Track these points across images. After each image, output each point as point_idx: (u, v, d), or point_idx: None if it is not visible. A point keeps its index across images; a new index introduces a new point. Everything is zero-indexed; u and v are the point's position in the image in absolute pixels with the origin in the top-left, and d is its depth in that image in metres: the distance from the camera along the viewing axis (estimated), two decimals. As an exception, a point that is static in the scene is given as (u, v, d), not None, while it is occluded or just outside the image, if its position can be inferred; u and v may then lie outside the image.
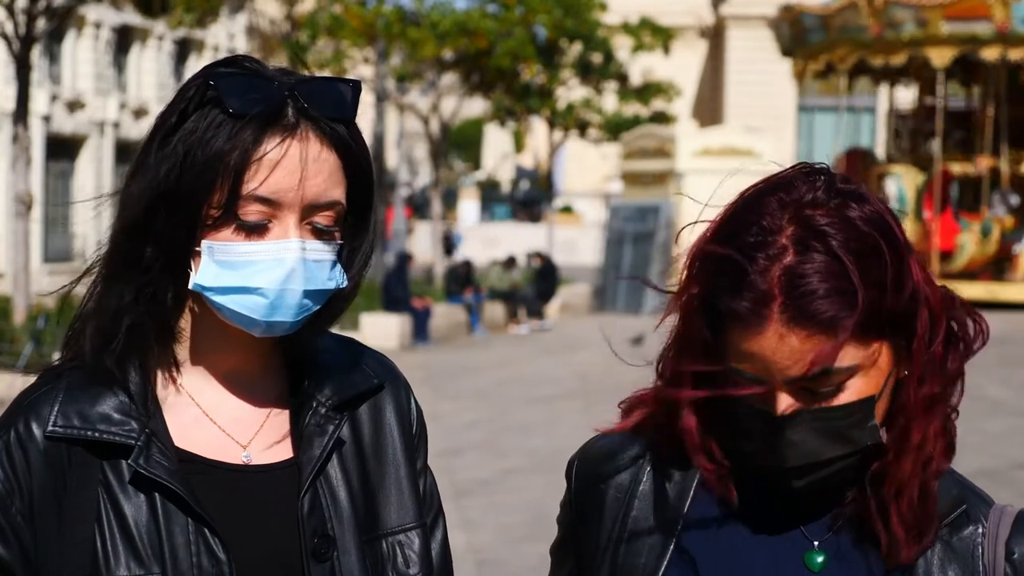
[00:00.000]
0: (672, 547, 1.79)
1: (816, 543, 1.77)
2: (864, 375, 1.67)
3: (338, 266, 1.83)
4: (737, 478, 1.78)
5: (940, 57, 28.20)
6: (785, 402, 1.67)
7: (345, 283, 1.84)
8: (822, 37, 29.96)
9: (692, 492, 1.80)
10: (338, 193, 1.80)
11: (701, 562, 1.78)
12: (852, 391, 1.67)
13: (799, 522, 1.78)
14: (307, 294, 1.78)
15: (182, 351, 1.86)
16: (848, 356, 1.65)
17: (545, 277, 30.52)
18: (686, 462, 1.80)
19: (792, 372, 1.65)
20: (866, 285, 1.64)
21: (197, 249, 1.78)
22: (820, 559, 1.76)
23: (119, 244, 1.80)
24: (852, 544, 1.76)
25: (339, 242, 1.83)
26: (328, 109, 1.80)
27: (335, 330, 1.97)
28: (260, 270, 1.76)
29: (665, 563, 1.78)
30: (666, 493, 1.82)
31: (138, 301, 1.79)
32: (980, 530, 1.76)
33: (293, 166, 1.76)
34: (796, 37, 31.00)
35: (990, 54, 28.19)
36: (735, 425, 1.73)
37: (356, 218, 1.85)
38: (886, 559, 1.75)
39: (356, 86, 1.85)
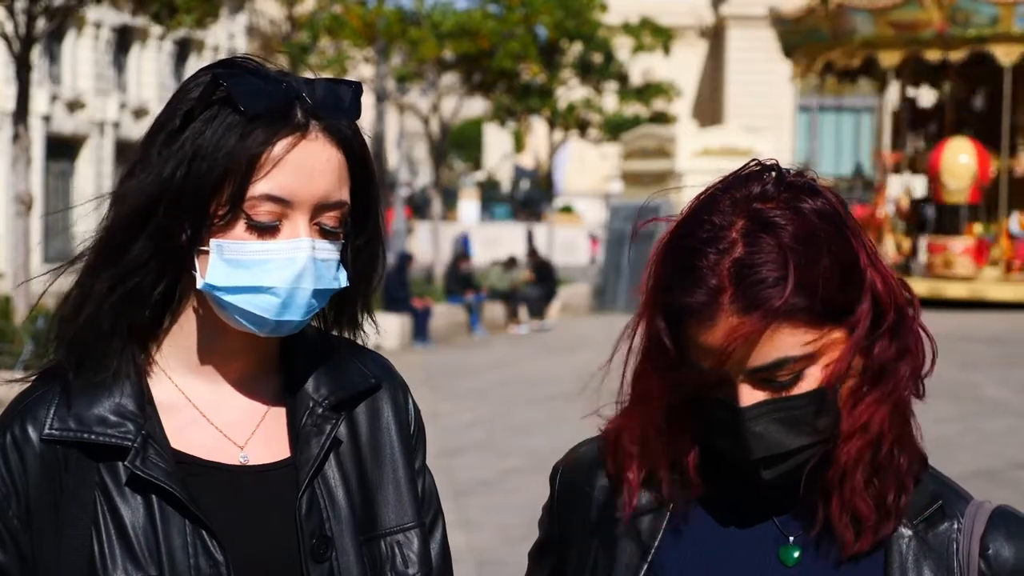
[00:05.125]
0: (654, 549, 1.80)
1: (791, 538, 1.78)
2: (822, 364, 1.69)
3: (341, 266, 1.84)
4: (714, 476, 1.80)
5: (1008, 55, 28.00)
6: (747, 394, 1.70)
7: (347, 283, 1.85)
8: (871, 31, 29.25)
9: (676, 491, 1.81)
10: (344, 193, 1.82)
11: (681, 563, 1.79)
12: (811, 380, 1.70)
13: (774, 515, 1.79)
14: (315, 293, 1.79)
15: (180, 352, 1.85)
16: (802, 344, 1.68)
17: (543, 279, 30.46)
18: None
19: (751, 362, 1.68)
20: (816, 273, 1.67)
21: (203, 249, 1.78)
22: (796, 554, 1.77)
23: (109, 238, 1.80)
24: (825, 537, 1.77)
25: (343, 241, 1.83)
26: (334, 110, 1.82)
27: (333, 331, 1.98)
28: (272, 269, 1.77)
29: (647, 565, 1.79)
30: (649, 494, 1.82)
31: (117, 296, 1.79)
32: (956, 526, 1.77)
33: (305, 166, 1.77)
34: (828, 33, 30.10)
35: None
36: (706, 421, 1.75)
37: (358, 218, 1.86)
38: (840, 544, 1.75)
39: (357, 88, 1.86)
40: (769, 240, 1.67)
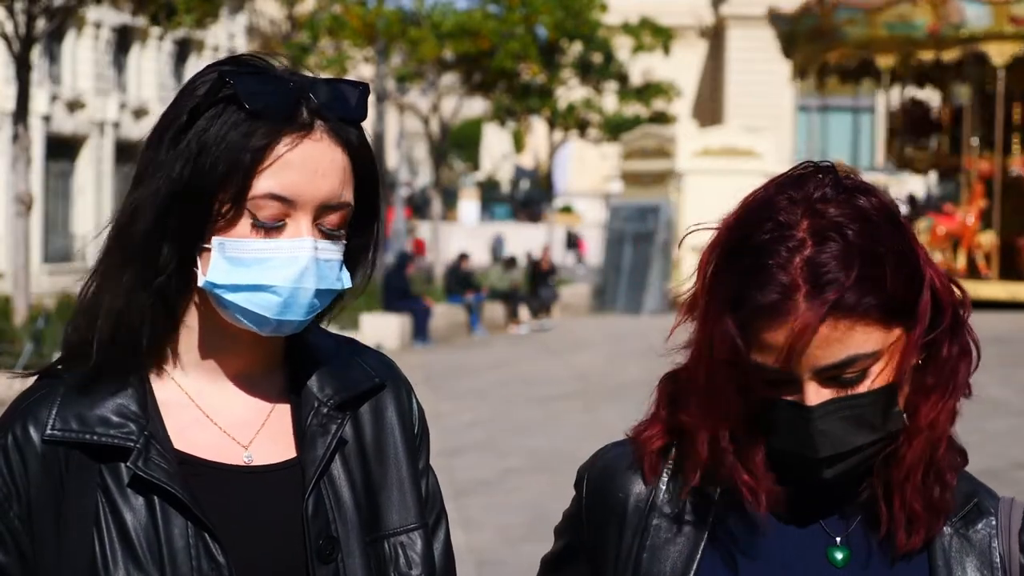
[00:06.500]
0: (700, 553, 1.79)
1: (838, 539, 1.79)
2: (886, 361, 1.71)
3: (344, 267, 1.83)
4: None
5: None
6: (815, 392, 1.70)
7: (350, 284, 1.84)
8: (986, 24, 28.53)
9: (717, 495, 1.81)
10: (348, 195, 1.81)
11: (728, 565, 1.79)
12: (876, 377, 1.71)
13: (820, 517, 1.79)
14: (317, 293, 1.78)
15: (183, 351, 1.84)
16: (871, 342, 1.69)
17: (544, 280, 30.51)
18: (709, 467, 1.81)
19: (821, 361, 1.68)
20: (884, 271, 1.68)
21: (206, 246, 1.77)
22: (841, 555, 1.78)
23: (133, 244, 1.78)
24: (872, 536, 1.78)
25: (344, 242, 1.83)
26: (339, 110, 1.81)
27: (335, 330, 1.97)
28: (273, 267, 1.76)
29: (694, 568, 1.78)
30: (690, 499, 1.82)
31: (151, 301, 1.78)
32: (993, 522, 1.80)
33: (309, 166, 1.77)
34: (925, 25, 29.06)
35: None
36: (769, 421, 1.74)
37: (360, 219, 1.86)
38: (886, 544, 1.76)
39: (364, 89, 1.85)
40: (836, 239, 1.68)
